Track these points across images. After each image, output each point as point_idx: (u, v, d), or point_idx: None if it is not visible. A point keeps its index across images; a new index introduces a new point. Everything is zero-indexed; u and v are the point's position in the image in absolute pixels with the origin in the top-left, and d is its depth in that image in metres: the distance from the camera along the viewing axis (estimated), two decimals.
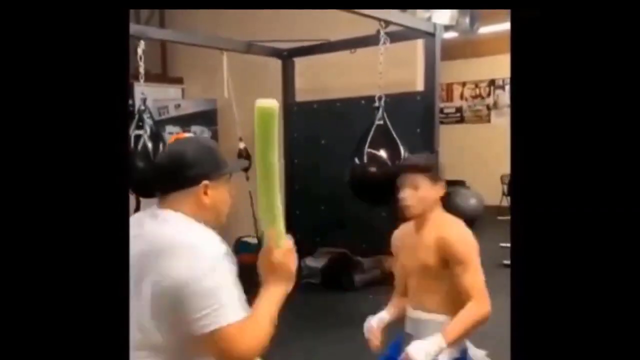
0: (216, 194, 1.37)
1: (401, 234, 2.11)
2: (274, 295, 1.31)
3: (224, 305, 1.20)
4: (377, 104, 3.46)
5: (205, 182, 1.34)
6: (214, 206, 1.37)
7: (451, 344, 1.77)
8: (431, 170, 1.94)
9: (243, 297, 1.27)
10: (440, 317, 1.89)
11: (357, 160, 3.43)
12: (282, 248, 1.32)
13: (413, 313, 2.00)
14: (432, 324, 1.89)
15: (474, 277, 1.81)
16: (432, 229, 1.91)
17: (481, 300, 1.80)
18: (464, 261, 1.81)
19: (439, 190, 1.94)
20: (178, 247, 1.24)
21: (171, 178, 1.35)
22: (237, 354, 1.23)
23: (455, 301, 1.84)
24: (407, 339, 1.98)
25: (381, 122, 3.42)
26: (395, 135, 3.39)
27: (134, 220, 1.32)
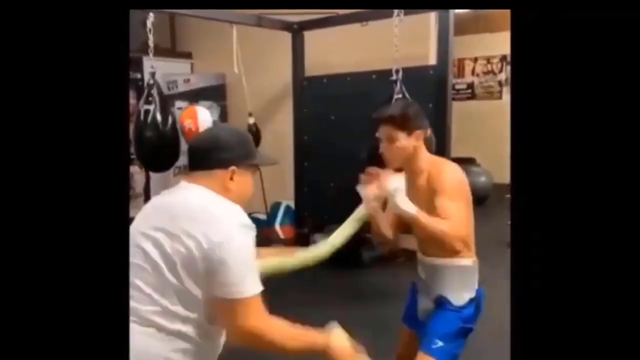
0: (241, 181, 1.44)
1: None
2: (315, 341, 1.50)
3: (245, 278, 1.29)
4: (394, 77, 3.40)
5: (233, 167, 1.41)
6: (237, 193, 1.43)
7: (412, 220, 1.78)
8: (405, 122, 1.89)
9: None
10: (455, 261, 1.90)
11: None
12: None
13: (425, 259, 2.00)
14: (446, 268, 1.92)
15: (450, 204, 1.79)
16: (423, 175, 1.91)
17: (454, 223, 1.77)
18: (442, 190, 1.81)
19: (417, 139, 1.90)
20: (210, 213, 1.33)
21: (203, 157, 1.43)
22: (246, 328, 1.32)
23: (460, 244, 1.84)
24: (422, 285, 2.01)
25: (400, 96, 3.36)
26: None
27: (162, 194, 1.44)
